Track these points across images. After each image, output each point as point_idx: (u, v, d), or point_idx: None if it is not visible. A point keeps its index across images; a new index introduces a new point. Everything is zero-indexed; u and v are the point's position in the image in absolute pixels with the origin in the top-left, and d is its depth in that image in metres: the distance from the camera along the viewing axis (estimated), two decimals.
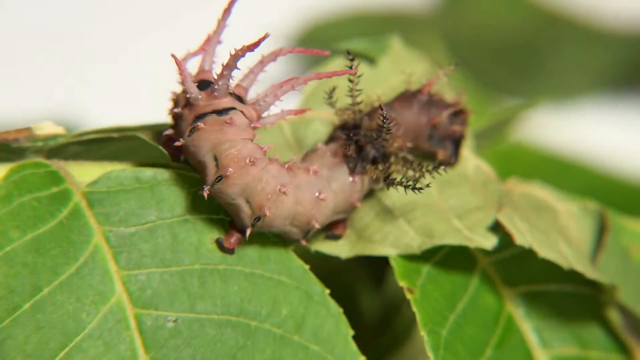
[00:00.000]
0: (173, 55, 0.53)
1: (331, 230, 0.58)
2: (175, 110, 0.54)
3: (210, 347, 0.53)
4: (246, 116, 0.53)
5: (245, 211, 0.53)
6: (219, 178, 0.52)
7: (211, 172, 0.52)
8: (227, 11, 0.54)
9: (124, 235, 0.54)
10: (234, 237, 0.54)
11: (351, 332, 0.55)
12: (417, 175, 0.55)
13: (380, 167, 0.56)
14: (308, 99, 0.63)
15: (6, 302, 0.51)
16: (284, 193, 0.53)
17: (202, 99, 0.53)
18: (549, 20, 1.43)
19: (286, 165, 0.54)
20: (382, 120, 0.54)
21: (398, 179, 0.55)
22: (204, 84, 0.54)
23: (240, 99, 0.54)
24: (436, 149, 0.60)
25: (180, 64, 0.53)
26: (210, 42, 0.55)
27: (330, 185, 0.55)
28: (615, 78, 1.41)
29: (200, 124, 0.52)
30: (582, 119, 1.39)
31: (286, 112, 0.54)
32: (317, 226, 0.55)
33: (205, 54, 0.55)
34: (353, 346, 0.55)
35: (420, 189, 0.55)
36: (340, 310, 0.55)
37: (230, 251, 0.54)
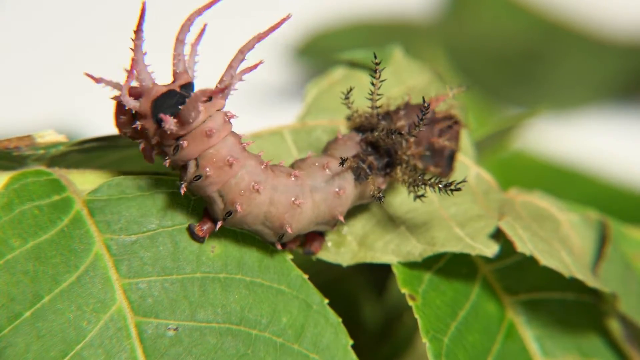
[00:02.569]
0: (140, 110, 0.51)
1: (307, 246, 0.57)
2: (153, 141, 0.52)
3: (210, 356, 0.53)
4: (218, 109, 0.52)
5: (219, 204, 0.53)
6: (198, 177, 0.52)
7: (190, 170, 0.52)
8: (138, 32, 0.51)
9: (125, 243, 0.54)
10: (207, 226, 0.54)
11: (350, 342, 0.55)
12: (428, 183, 0.54)
13: (398, 171, 0.55)
14: (310, 107, 0.63)
15: (7, 310, 0.51)
16: (257, 191, 0.53)
17: (176, 126, 0.51)
18: (551, 30, 1.43)
19: (265, 163, 0.53)
20: (422, 114, 0.53)
21: (419, 181, 0.55)
22: (160, 103, 0.51)
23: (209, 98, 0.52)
24: (428, 165, 0.59)
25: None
26: (138, 62, 0.52)
27: (313, 195, 0.55)
28: (616, 87, 1.42)
29: (184, 143, 0.51)
30: (584, 128, 1.39)
31: (242, 73, 0.52)
32: (290, 232, 0.54)
33: (140, 73, 0.52)
34: (352, 355, 0.54)
35: (459, 189, 0.54)
36: (339, 319, 0.55)
37: (200, 239, 0.54)
